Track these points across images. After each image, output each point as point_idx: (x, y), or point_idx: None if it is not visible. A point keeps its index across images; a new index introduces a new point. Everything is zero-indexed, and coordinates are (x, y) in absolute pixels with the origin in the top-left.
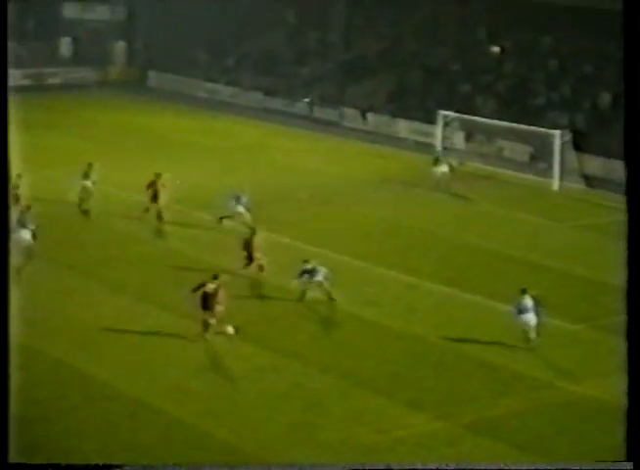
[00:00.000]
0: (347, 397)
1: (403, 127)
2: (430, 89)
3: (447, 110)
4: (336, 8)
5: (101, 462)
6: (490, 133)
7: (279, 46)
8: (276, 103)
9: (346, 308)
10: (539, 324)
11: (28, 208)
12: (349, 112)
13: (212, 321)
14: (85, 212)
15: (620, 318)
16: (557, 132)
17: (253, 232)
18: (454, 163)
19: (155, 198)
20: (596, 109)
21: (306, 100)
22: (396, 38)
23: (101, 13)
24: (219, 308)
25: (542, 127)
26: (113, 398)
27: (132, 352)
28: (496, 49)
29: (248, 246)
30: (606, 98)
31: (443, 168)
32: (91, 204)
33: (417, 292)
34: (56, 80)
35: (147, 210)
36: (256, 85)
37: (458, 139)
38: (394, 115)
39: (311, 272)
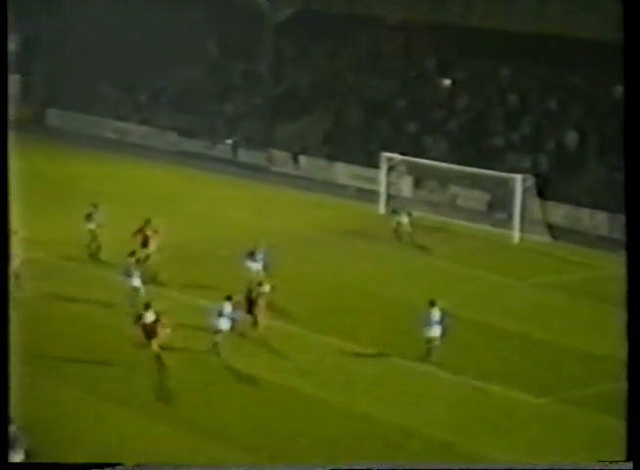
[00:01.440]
0: None
1: (342, 172)
2: (372, 128)
3: (392, 152)
4: (263, 36)
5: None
6: (442, 179)
7: (198, 80)
8: (195, 145)
9: (277, 380)
10: (443, 336)
11: None
12: (279, 155)
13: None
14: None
15: (589, 390)
16: (518, 177)
17: None
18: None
19: (145, 244)
20: (562, 149)
21: (229, 141)
22: (333, 70)
23: None
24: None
25: (501, 171)
26: None
27: None
28: (447, 82)
29: None
30: (572, 137)
31: (402, 218)
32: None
33: (357, 361)
34: None
35: (135, 256)
36: (173, 125)
37: (405, 185)
38: (331, 158)
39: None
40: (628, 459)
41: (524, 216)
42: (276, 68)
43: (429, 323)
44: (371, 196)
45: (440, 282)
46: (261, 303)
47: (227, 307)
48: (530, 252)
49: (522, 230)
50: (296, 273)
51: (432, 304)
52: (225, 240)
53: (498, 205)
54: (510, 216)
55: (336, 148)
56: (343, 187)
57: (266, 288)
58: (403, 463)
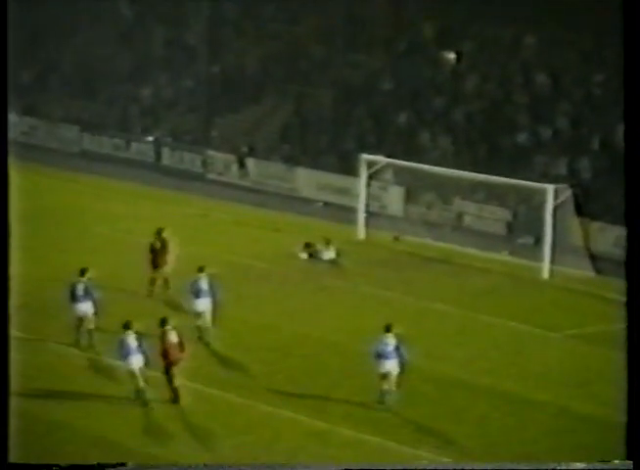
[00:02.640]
0: None
1: (306, 181)
2: (347, 121)
3: (375, 153)
4: None
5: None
6: (444, 190)
7: (105, 53)
8: (101, 143)
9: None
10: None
11: None
12: (219, 157)
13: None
14: None
15: None
16: (549, 188)
17: None
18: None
19: (155, 264)
20: (609, 150)
21: (150, 139)
22: (294, 40)
23: None
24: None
25: (526, 180)
26: None
27: None
28: (450, 56)
29: None
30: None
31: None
32: None
33: (328, 440)
34: None
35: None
36: (69, 115)
37: (393, 199)
38: (291, 161)
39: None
40: (628, 459)
41: (557, 242)
42: (213, 37)
43: None
44: (346, 214)
45: (441, 334)
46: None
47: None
48: (566, 291)
49: (554, 261)
50: (236, 321)
51: None
52: (139, 273)
53: (522, 226)
54: (538, 242)
55: (297, 148)
56: (308, 202)
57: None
58: (403, 463)
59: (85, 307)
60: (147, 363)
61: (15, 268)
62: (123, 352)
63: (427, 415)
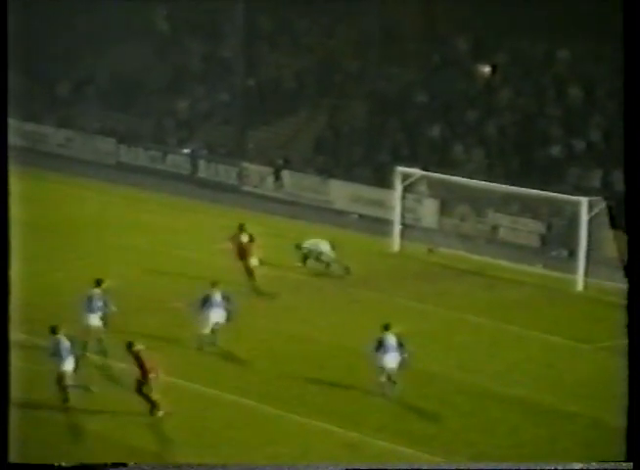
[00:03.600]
0: None
1: (340, 193)
2: (381, 133)
3: (409, 166)
4: (232, 6)
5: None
6: (478, 203)
7: (141, 66)
8: (137, 155)
9: None
10: (402, 367)
11: None
12: (254, 169)
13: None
14: None
15: None
16: (583, 200)
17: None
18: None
19: (242, 256)
20: None
21: (186, 151)
22: (328, 53)
23: None
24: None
25: (560, 193)
26: None
27: None
28: (484, 69)
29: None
30: None
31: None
32: None
33: (359, 453)
34: None
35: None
36: (105, 127)
37: (427, 211)
38: (326, 174)
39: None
40: (628, 459)
41: (590, 255)
42: (249, 50)
43: None
44: (380, 226)
45: (474, 346)
46: None
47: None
48: (600, 303)
49: (588, 274)
50: (272, 333)
51: None
52: (177, 287)
53: (555, 239)
54: (572, 255)
55: (332, 160)
56: (342, 214)
57: None
58: (404, 463)
59: (96, 319)
60: None
61: (47, 279)
62: None
63: (459, 426)
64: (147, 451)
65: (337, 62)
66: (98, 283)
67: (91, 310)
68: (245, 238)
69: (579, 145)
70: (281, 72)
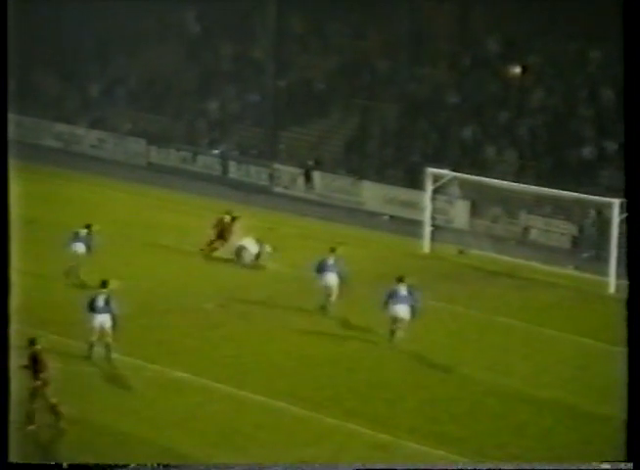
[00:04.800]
0: None
1: (371, 195)
2: (412, 134)
3: (441, 167)
4: (262, 7)
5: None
6: (510, 204)
7: (172, 67)
8: (168, 156)
9: None
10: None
11: None
12: (285, 170)
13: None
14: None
15: None
16: (615, 202)
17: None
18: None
19: (221, 236)
20: None
21: (216, 152)
22: (359, 55)
23: None
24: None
25: (592, 194)
26: None
27: None
28: (516, 70)
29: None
30: None
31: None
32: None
33: (390, 453)
34: None
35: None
36: (137, 128)
37: (459, 213)
38: (357, 175)
39: None
40: (628, 459)
41: (623, 257)
42: (280, 51)
43: None
44: (411, 227)
45: (507, 347)
46: None
47: None
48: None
49: (620, 276)
50: (302, 335)
51: None
52: (209, 288)
53: (587, 240)
54: (604, 256)
55: (363, 162)
56: (374, 215)
57: None
58: (404, 463)
59: (102, 319)
60: None
61: (78, 280)
62: None
63: (490, 428)
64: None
65: (367, 63)
66: (104, 284)
67: (95, 311)
68: (227, 219)
69: (611, 146)
70: (312, 73)
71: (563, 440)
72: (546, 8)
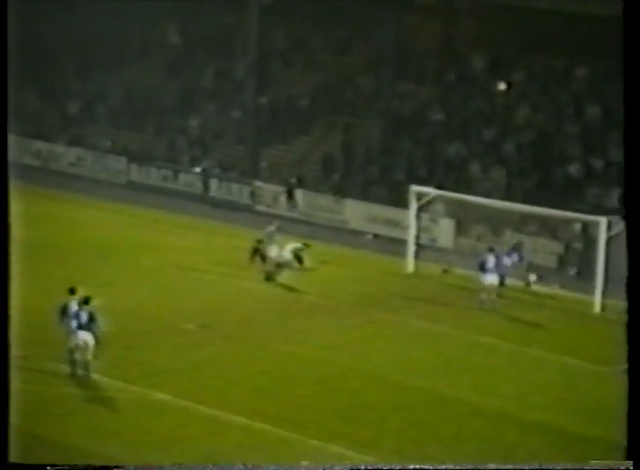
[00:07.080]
0: None
1: (354, 213)
2: (396, 151)
3: (425, 185)
4: (244, 23)
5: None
6: (495, 222)
7: (153, 84)
8: (148, 174)
9: None
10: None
11: None
12: (267, 189)
13: None
14: None
15: None
16: (602, 220)
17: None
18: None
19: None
20: None
21: (197, 170)
22: (342, 70)
23: None
24: None
25: (578, 212)
26: None
27: None
28: (502, 86)
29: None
30: None
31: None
32: None
33: None
34: None
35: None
36: (116, 146)
37: (443, 231)
38: (340, 193)
39: None
40: (628, 459)
41: (609, 275)
42: (261, 68)
43: None
44: (395, 246)
45: (490, 367)
46: None
47: None
48: (618, 325)
49: (606, 295)
50: (287, 356)
51: None
52: (189, 308)
53: (573, 259)
54: (590, 275)
55: (346, 179)
56: (357, 233)
57: None
58: (404, 463)
59: (84, 336)
60: None
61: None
62: None
63: (477, 450)
64: None
65: (351, 79)
66: (86, 301)
67: (80, 328)
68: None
69: (598, 164)
70: (294, 90)
71: (551, 462)
72: (532, 24)
